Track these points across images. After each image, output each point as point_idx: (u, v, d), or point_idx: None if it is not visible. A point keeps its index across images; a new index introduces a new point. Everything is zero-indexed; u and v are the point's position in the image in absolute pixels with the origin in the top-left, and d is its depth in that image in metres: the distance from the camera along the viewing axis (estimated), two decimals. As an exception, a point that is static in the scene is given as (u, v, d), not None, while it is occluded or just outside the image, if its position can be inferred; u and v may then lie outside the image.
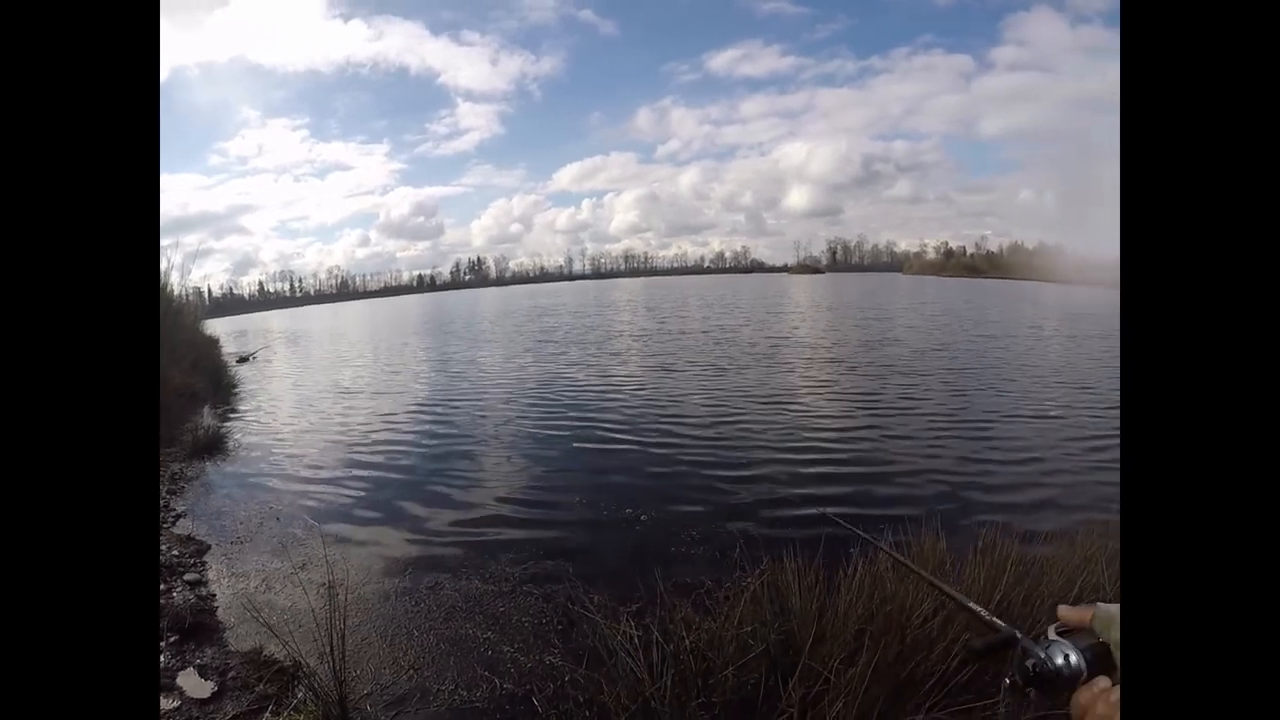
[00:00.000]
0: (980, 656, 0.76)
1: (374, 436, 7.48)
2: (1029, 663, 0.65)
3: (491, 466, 6.07)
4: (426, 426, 7.85)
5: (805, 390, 8.95)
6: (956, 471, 5.27)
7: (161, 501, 5.27)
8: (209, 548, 4.37)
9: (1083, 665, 0.60)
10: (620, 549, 4.04)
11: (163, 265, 11.87)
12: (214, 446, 7.08)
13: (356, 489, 5.57)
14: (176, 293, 12.58)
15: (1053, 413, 7.17)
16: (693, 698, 2.14)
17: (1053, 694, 0.63)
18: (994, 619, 0.81)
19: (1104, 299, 22.32)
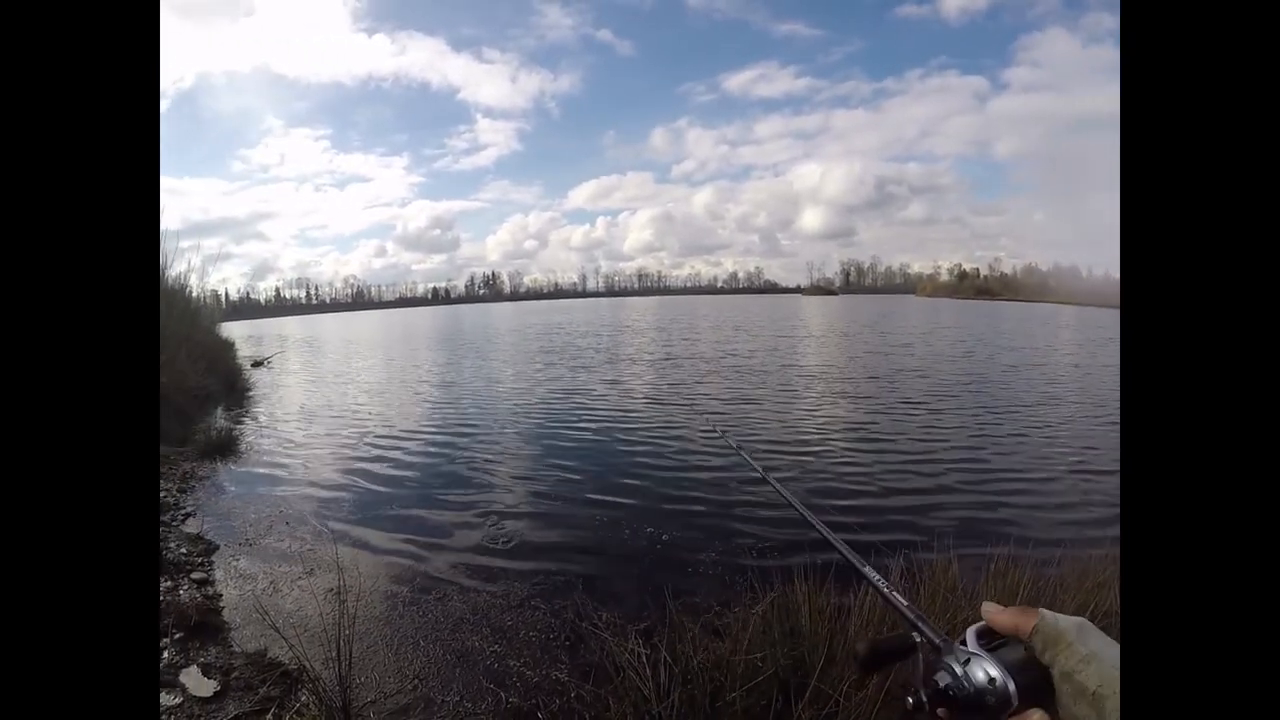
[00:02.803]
0: (870, 664, 0.59)
1: (384, 445, 7.50)
2: (938, 677, 0.51)
3: (503, 478, 6.06)
4: (437, 437, 7.87)
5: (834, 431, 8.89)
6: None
7: (171, 500, 5.31)
8: (217, 547, 4.38)
9: (1011, 690, 0.46)
10: (632, 570, 4.01)
11: (182, 267, 12.06)
12: (226, 447, 7.12)
13: (366, 496, 5.58)
14: (195, 295, 12.76)
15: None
16: (701, 718, 2.11)
17: (972, 715, 0.48)
18: (920, 617, 0.60)
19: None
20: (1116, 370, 11.99)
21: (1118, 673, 0.42)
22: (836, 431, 7.70)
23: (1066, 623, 0.46)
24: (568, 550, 4.33)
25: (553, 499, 5.39)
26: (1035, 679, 0.47)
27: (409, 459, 6.85)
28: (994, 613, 0.51)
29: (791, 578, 2.69)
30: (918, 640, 0.56)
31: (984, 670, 0.48)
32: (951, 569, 2.87)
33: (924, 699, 0.51)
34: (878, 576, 0.69)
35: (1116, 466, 6.14)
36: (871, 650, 0.59)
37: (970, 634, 0.52)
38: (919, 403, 9.46)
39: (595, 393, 10.77)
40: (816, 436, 7.43)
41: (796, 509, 0.71)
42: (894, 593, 0.64)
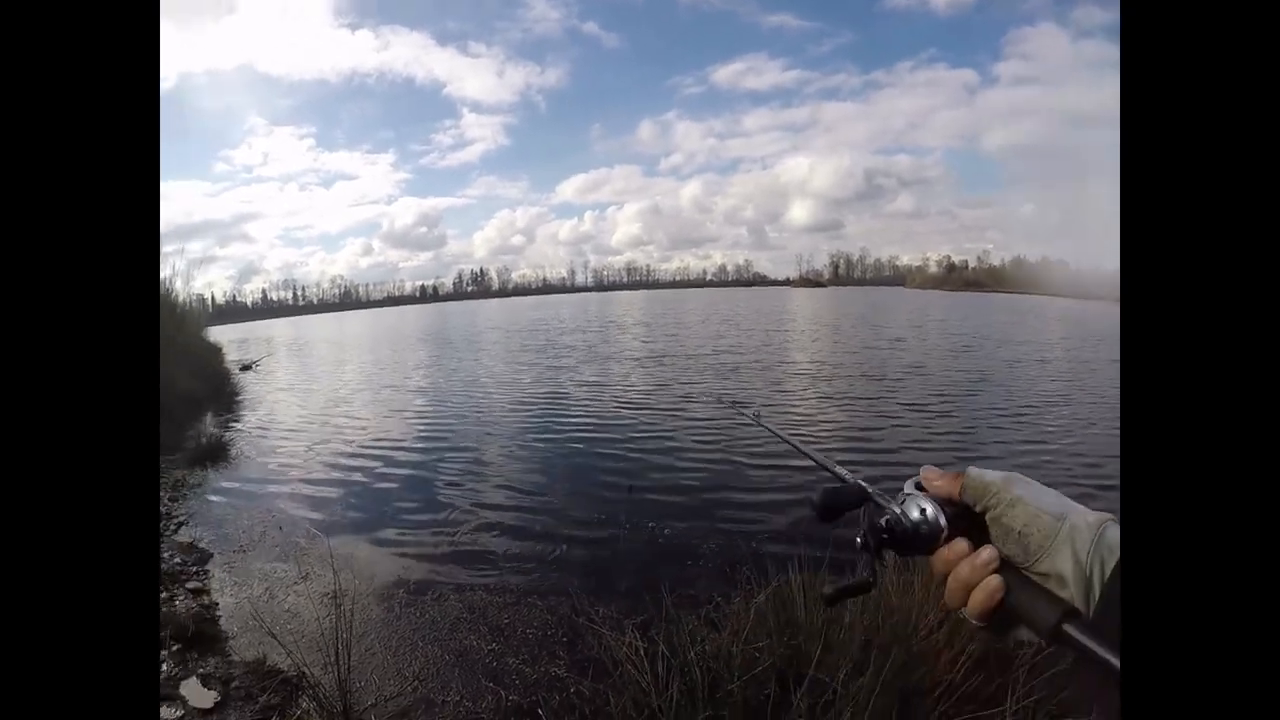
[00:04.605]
0: (826, 514, 0.64)
1: (374, 446, 7.47)
2: (882, 519, 0.58)
3: (494, 476, 6.06)
4: (426, 437, 7.85)
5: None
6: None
7: (163, 509, 5.27)
8: (211, 555, 4.36)
9: (942, 522, 0.55)
10: (628, 564, 4.02)
11: (167, 272, 11.94)
12: (216, 454, 7.08)
13: (359, 499, 5.57)
14: (180, 299, 12.64)
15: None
16: (700, 710, 2.13)
17: (909, 552, 0.57)
18: (845, 474, 0.69)
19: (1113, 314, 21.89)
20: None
21: (1042, 513, 0.49)
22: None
23: (993, 475, 0.53)
24: (563, 544, 4.34)
25: (546, 496, 5.40)
26: (960, 514, 0.55)
27: (403, 458, 6.83)
28: (931, 475, 0.58)
29: (787, 568, 2.71)
30: (870, 490, 0.63)
31: (917, 506, 0.56)
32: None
33: (869, 539, 0.58)
34: (835, 465, 0.73)
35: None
36: (825, 499, 0.64)
37: (908, 484, 0.59)
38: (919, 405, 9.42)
39: (579, 394, 10.69)
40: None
41: (830, 470, 0.73)
42: (846, 474, 0.70)
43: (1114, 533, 0.45)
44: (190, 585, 3.81)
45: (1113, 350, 15.82)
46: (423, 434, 8.01)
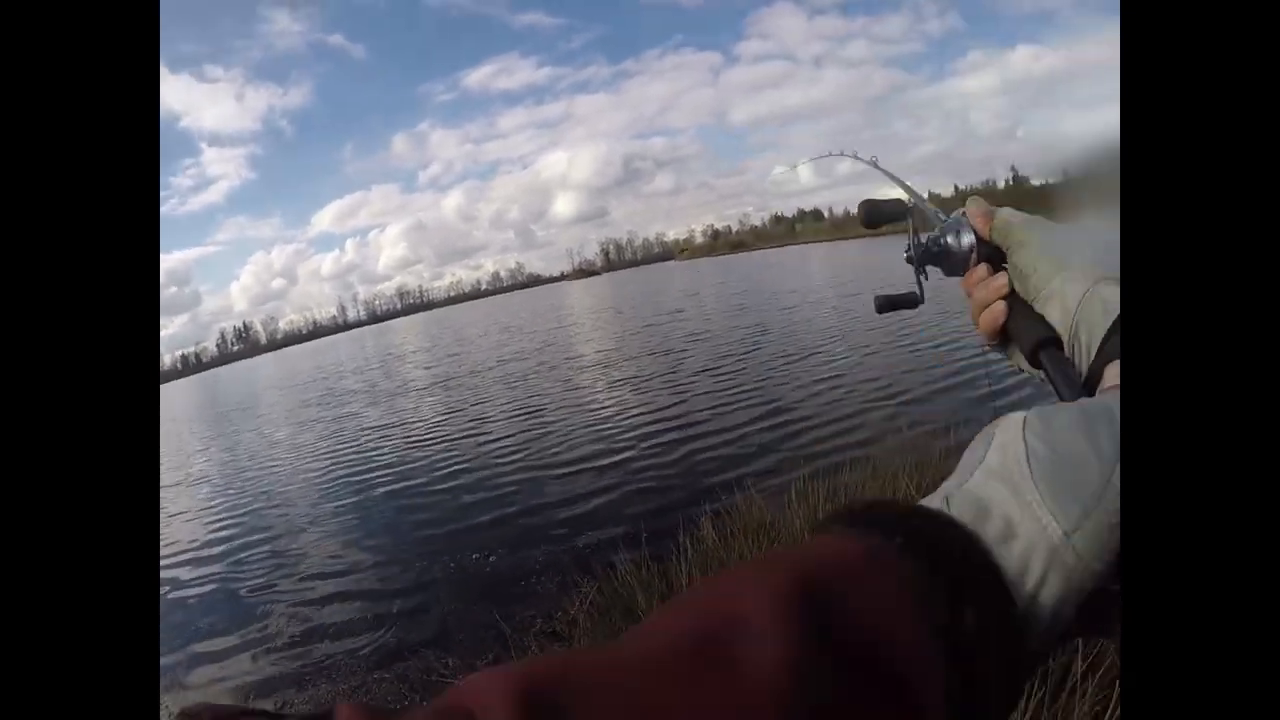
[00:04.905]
0: (870, 221, 0.67)
1: (173, 537, 6.58)
2: (924, 237, 0.62)
3: (302, 560, 5.47)
4: (219, 539, 6.75)
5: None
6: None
7: None
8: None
9: (970, 249, 0.58)
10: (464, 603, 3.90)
11: None
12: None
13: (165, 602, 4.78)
14: None
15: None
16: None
17: (947, 272, 0.61)
18: (918, 197, 0.72)
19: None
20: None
21: (1042, 259, 0.51)
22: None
23: (1018, 218, 0.55)
24: (394, 605, 4.11)
25: (361, 560, 5.04)
26: (987, 246, 0.57)
27: (194, 574, 5.65)
28: (974, 210, 0.59)
29: (614, 565, 2.80)
30: (910, 205, 0.65)
31: (953, 232, 0.59)
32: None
33: (912, 254, 0.61)
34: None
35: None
36: (870, 208, 0.66)
37: (957, 213, 0.61)
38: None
39: (370, 441, 9.83)
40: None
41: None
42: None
43: (1110, 293, 0.46)
44: None
45: (873, 277, 16.77)
46: (213, 534, 6.92)
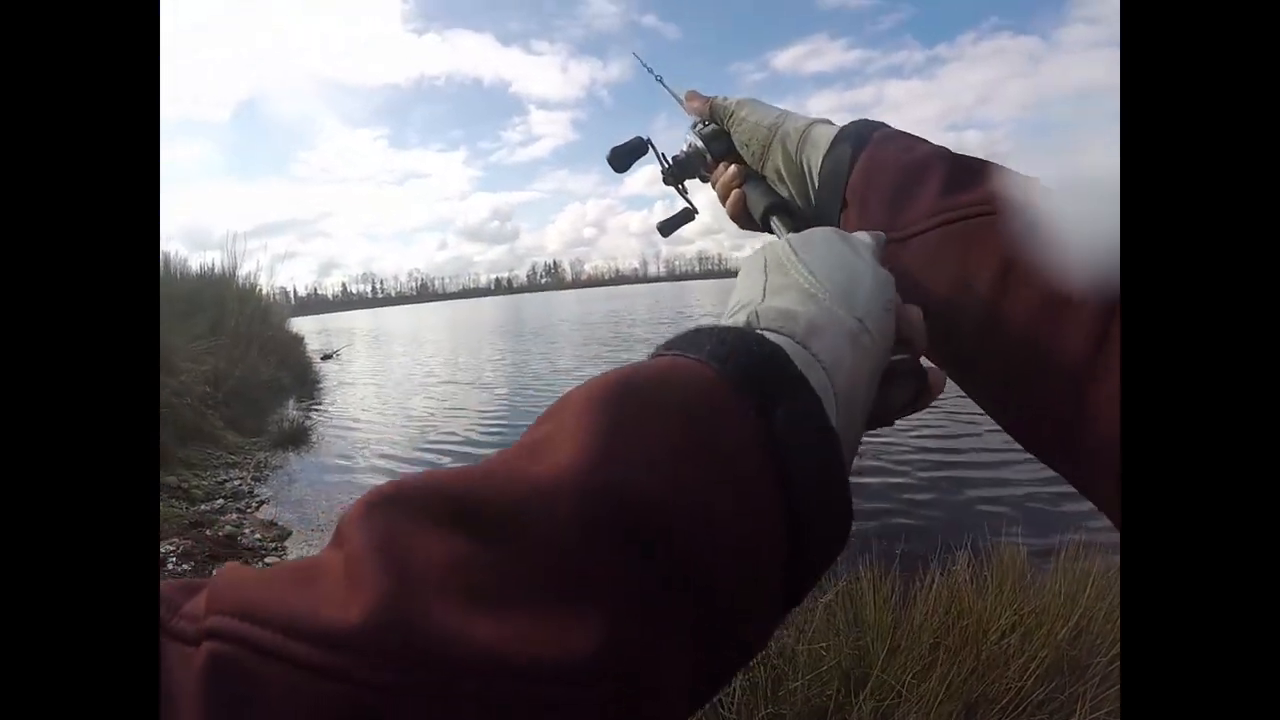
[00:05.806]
0: (618, 162, 0.67)
1: (449, 426, 7.71)
2: (670, 157, 0.64)
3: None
4: (503, 417, 8.07)
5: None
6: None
7: (246, 488, 5.57)
8: (290, 533, 4.58)
9: (700, 145, 0.59)
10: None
11: (252, 266, 12.56)
12: (298, 437, 7.44)
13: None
14: (264, 292, 13.30)
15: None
16: (762, 706, 2.10)
17: (700, 178, 0.63)
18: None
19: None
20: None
21: (759, 125, 0.53)
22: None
23: (732, 99, 0.57)
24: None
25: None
26: (726, 139, 0.58)
27: (479, 439, 7.01)
28: (689, 97, 0.63)
29: (858, 565, 2.64)
30: (649, 139, 0.66)
31: (685, 140, 0.62)
32: (1020, 557, 2.77)
33: (667, 178, 0.64)
34: None
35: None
36: (611, 155, 0.66)
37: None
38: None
39: None
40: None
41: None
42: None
43: (820, 130, 0.50)
44: (268, 560, 4.02)
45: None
46: (479, 435, 7.75)
